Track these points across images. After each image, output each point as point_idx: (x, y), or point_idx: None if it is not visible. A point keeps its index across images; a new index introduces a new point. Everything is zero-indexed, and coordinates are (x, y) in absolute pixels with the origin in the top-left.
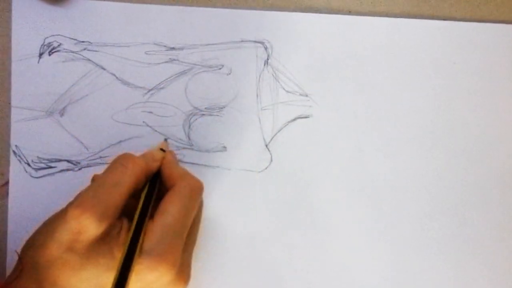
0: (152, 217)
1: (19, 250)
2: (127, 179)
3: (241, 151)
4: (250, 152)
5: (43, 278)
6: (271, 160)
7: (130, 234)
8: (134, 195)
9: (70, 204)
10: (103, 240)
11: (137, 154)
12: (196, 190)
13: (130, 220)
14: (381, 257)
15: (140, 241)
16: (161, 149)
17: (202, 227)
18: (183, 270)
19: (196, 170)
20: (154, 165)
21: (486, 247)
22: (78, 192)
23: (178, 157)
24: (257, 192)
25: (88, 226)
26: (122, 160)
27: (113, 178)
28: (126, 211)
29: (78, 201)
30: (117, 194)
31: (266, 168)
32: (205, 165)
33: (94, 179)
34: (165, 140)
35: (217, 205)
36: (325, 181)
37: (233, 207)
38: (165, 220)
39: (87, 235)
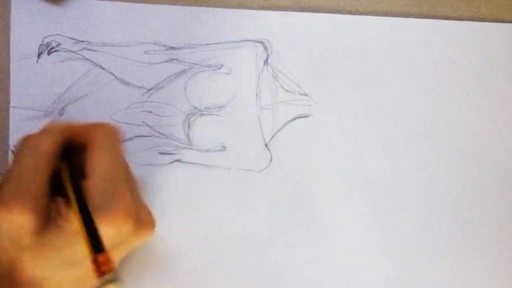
0: (84, 178)
1: None
2: (44, 161)
3: (240, 151)
4: (249, 151)
5: (16, 281)
6: (271, 160)
7: (74, 201)
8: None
9: None
10: (48, 224)
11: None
12: (113, 133)
13: (62, 196)
14: (381, 256)
15: (81, 200)
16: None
17: (201, 226)
18: (142, 214)
19: (196, 170)
20: (62, 136)
21: (486, 247)
22: None
23: (178, 156)
24: (257, 192)
25: (23, 221)
26: (31, 142)
27: (29, 163)
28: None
29: (1, 200)
30: (39, 179)
31: (265, 168)
32: (205, 165)
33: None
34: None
35: (217, 204)
36: (325, 181)
37: (232, 207)
38: (98, 173)
39: (27, 229)
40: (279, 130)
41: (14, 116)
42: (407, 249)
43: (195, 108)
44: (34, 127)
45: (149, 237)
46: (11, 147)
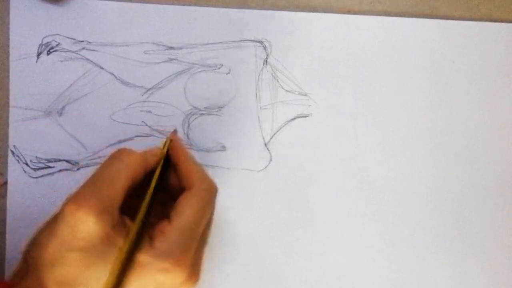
0: (166, 217)
1: (22, 249)
2: (123, 174)
3: (240, 151)
4: (249, 151)
5: (46, 278)
6: (271, 160)
7: (134, 230)
8: (133, 193)
9: (67, 200)
10: (108, 237)
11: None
12: (212, 193)
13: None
14: (380, 256)
15: (134, 232)
16: (171, 140)
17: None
18: (194, 271)
19: None
20: (153, 159)
21: (486, 246)
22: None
23: None
24: (257, 191)
25: (86, 222)
26: (118, 154)
27: (109, 172)
28: (126, 210)
29: (74, 197)
30: (114, 188)
31: (265, 168)
32: (205, 165)
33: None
34: (174, 131)
35: (217, 204)
36: (324, 180)
37: (232, 207)
38: (181, 223)
39: (86, 231)
40: (278, 130)
41: (14, 116)
42: (406, 248)
43: (195, 108)
44: (33, 127)
45: None
46: (11, 146)
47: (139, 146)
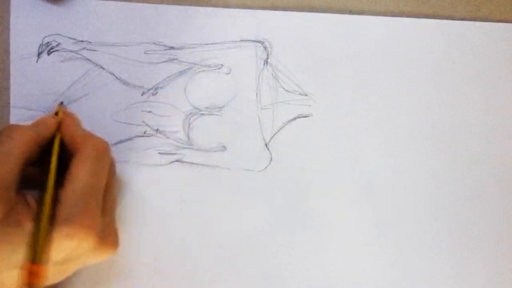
0: (61, 184)
1: None
2: (15, 151)
3: (240, 151)
4: (249, 151)
5: None
6: (271, 160)
7: (42, 205)
8: (30, 166)
9: None
10: (8, 217)
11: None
12: (102, 150)
13: (31, 191)
14: (381, 256)
15: (48, 209)
16: (57, 114)
17: (201, 226)
18: (106, 235)
19: (196, 170)
20: (47, 132)
21: (486, 247)
22: None
23: (178, 156)
24: (257, 192)
25: None
26: (8, 131)
27: (1, 152)
28: (26, 182)
29: None
30: (8, 168)
31: (266, 168)
32: (205, 165)
33: None
34: (61, 103)
35: (217, 204)
36: (325, 180)
37: (232, 207)
38: (75, 186)
39: None
40: (279, 130)
41: (14, 116)
42: (407, 249)
43: (195, 108)
44: None
45: (107, 258)
46: None
47: (139, 146)
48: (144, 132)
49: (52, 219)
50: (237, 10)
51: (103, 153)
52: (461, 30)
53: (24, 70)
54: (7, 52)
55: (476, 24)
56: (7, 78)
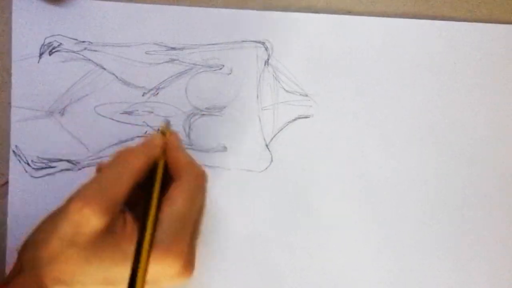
0: (158, 206)
1: (18, 249)
2: (128, 173)
3: (241, 151)
4: (250, 152)
5: (44, 275)
6: (272, 160)
7: (145, 226)
8: (137, 186)
9: (72, 198)
10: (107, 234)
11: (137, 140)
12: (201, 179)
13: (133, 211)
14: (381, 257)
15: (150, 232)
16: (163, 131)
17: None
18: (189, 261)
19: None
20: (156, 152)
21: (486, 247)
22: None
23: None
24: (258, 192)
25: (90, 219)
26: (124, 154)
27: (115, 172)
28: (128, 203)
29: (80, 195)
30: (119, 187)
31: (266, 168)
32: (205, 165)
33: (97, 171)
34: (167, 122)
35: (217, 205)
36: (325, 181)
37: (233, 207)
38: (172, 211)
39: (89, 228)
40: (279, 131)
41: (16, 116)
42: (407, 249)
43: (196, 108)
44: (35, 127)
45: (182, 283)
46: (12, 147)
47: None
48: (145, 133)
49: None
50: (238, 10)
51: (201, 182)
52: (461, 31)
53: (25, 70)
54: (8, 52)
55: (476, 25)
56: (8, 78)
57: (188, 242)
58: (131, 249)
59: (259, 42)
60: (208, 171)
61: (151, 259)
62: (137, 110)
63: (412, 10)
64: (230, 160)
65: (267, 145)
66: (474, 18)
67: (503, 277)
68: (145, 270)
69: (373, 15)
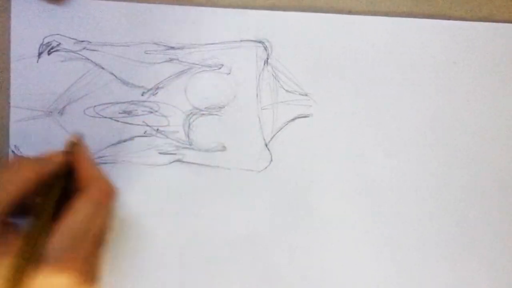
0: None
1: None
2: (14, 184)
3: (241, 151)
4: (250, 151)
5: None
6: (271, 160)
7: (32, 235)
8: (33, 195)
9: None
10: None
11: (33, 156)
12: (106, 195)
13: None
14: (381, 257)
15: (36, 242)
16: (74, 144)
17: (201, 226)
18: (88, 276)
19: (196, 170)
20: (49, 169)
21: (486, 247)
22: None
23: (178, 156)
24: (257, 192)
25: None
26: (16, 163)
27: (0, 180)
28: (27, 209)
29: None
30: (2, 197)
31: (266, 168)
32: (205, 165)
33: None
34: (79, 135)
35: (217, 204)
36: (325, 181)
37: (232, 207)
38: (68, 224)
39: None
40: (279, 130)
41: (14, 116)
42: (407, 249)
43: (195, 108)
44: (34, 127)
45: None
46: (11, 147)
47: (139, 146)
48: (144, 132)
49: (39, 252)
50: (237, 10)
51: (106, 199)
52: (461, 30)
53: (24, 70)
54: (7, 52)
55: (476, 24)
56: (7, 78)
57: (84, 257)
58: (6, 262)
59: (259, 41)
60: (207, 174)
61: (43, 273)
62: (136, 110)
63: (412, 10)
64: (229, 160)
65: (266, 145)
66: (474, 17)
67: (503, 277)
68: (27, 279)
69: (373, 14)
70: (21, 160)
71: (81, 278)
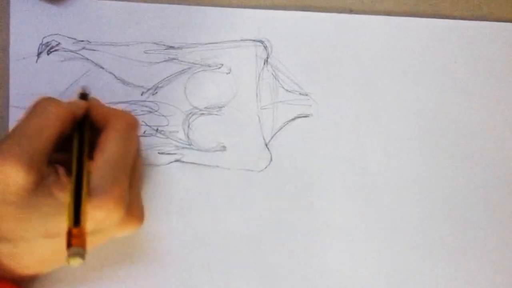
0: (91, 158)
1: None
2: (51, 124)
3: (240, 151)
4: (249, 151)
5: None
6: (271, 160)
7: (73, 174)
8: (60, 146)
9: None
10: (40, 188)
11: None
12: (131, 124)
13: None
14: (381, 256)
15: (85, 179)
16: (83, 96)
17: (201, 226)
18: (133, 209)
19: (196, 170)
20: (80, 112)
21: (486, 247)
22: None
23: (178, 156)
24: (257, 192)
25: (15, 176)
26: (45, 103)
27: (37, 122)
28: (57, 159)
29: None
30: (43, 139)
31: (266, 168)
32: (205, 165)
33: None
34: (85, 86)
35: (217, 204)
36: (325, 181)
37: (232, 207)
38: (105, 157)
39: (15, 186)
40: (279, 130)
41: (14, 116)
42: (407, 248)
43: (195, 107)
44: None
45: (133, 232)
46: None
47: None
48: (144, 132)
49: (88, 187)
50: (237, 9)
51: (132, 127)
52: (462, 30)
53: (23, 70)
54: (6, 51)
55: (477, 23)
56: (6, 78)
57: (127, 187)
58: (67, 198)
59: (258, 41)
60: (207, 174)
61: (91, 206)
62: (136, 110)
63: (413, 9)
64: (229, 160)
65: (266, 145)
66: (474, 16)
67: (503, 277)
68: (85, 210)
69: (374, 13)
70: (58, 102)
71: (130, 209)
